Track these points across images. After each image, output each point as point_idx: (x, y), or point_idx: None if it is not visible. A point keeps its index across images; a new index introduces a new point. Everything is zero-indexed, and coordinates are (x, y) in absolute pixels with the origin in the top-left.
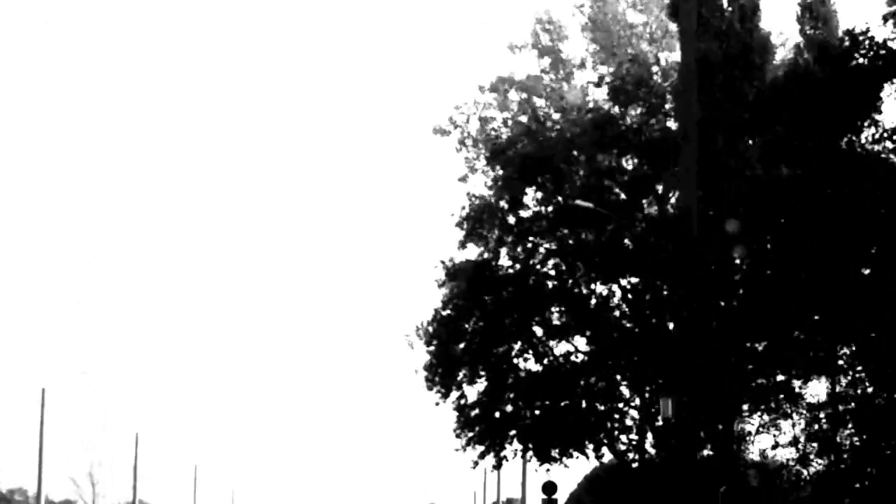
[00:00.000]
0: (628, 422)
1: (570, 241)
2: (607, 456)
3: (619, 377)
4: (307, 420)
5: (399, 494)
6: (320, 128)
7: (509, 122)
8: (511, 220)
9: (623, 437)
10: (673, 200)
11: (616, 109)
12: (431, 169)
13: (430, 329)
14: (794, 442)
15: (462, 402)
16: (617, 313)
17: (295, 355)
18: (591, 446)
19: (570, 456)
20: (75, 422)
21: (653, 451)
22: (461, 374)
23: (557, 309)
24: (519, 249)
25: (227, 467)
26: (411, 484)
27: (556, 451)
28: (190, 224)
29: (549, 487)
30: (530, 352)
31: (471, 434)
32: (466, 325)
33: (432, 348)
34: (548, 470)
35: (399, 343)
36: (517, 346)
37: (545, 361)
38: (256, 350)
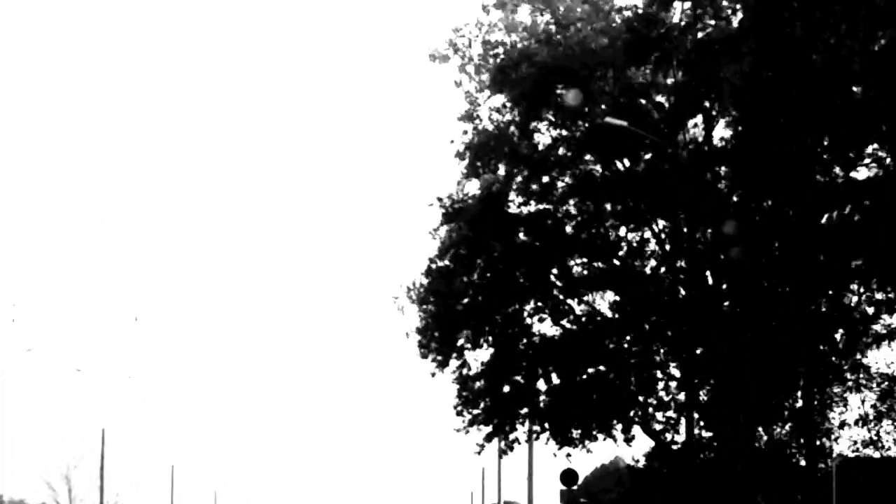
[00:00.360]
0: (664, 395)
1: (596, 175)
2: (639, 438)
3: (654, 341)
4: (291, 415)
5: (390, 495)
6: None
7: (518, 45)
8: (523, 149)
9: (659, 415)
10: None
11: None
12: (426, 101)
13: (424, 284)
14: (863, 420)
15: (463, 372)
16: (652, 263)
17: (276, 344)
18: (619, 426)
19: (594, 438)
20: (52, 424)
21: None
22: (462, 339)
23: (579, 259)
24: (533, 186)
25: (208, 467)
26: (403, 484)
27: (578, 432)
28: (188, 221)
29: (570, 476)
30: (546, 311)
31: (475, 412)
32: (468, 279)
33: (427, 307)
34: (568, 455)
35: (387, 310)
36: (530, 305)
37: (564, 323)
38: (238, 344)
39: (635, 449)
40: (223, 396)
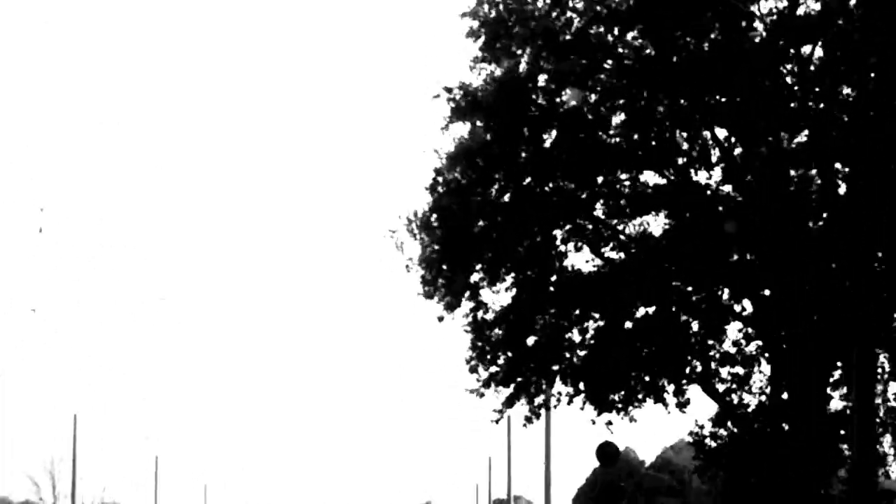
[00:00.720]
0: (729, 347)
1: (649, 57)
2: (697, 401)
3: (718, 278)
4: (284, 408)
5: (389, 490)
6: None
7: None
8: (553, 24)
9: (724, 371)
10: None
11: None
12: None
13: (429, 202)
14: None
15: (479, 316)
16: (717, 176)
17: (265, 327)
18: (671, 388)
19: (640, 403)
20: (35, 418)
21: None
22: (477, 275)
23: (627, 174)
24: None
25: (197, 458)
26: (399, 475)
27: (620, 395)
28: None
29: (609, 452)
30: (583, 238)
31: (493, 369)
32: (484, 195)
33: (432, 232)
34: (609, 423)
35: (383, 256)
36: (563, 230)
37: (607, 252)
38: (225, 329)
39: (692, 416)
40: (211, 384)
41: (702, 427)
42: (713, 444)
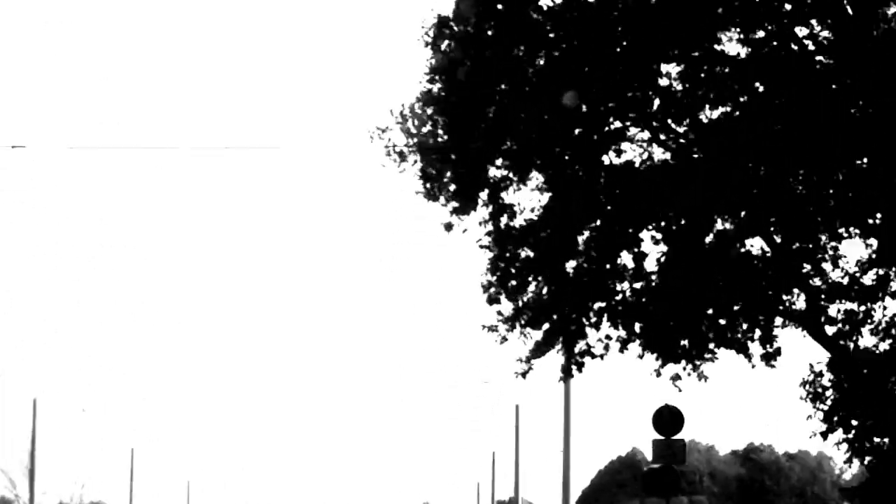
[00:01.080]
0: (838, 275)
1: None
2: (792, 349)
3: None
4: (275, 403)
5: (383, 490)
6: None
7: None
8: None
9: (832, 309)
10: None
11: None
12: None
13: (431, 61)
14: None
15: (501, 223)
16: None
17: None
18: (757, 333)
19: (711, 354)
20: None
21: None
22: (498, 170)
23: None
24: None
25: (182, 458)
26: (397, 476)
27: (687, 341)
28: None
29: (668, 418)
30: (644, 121)
31: (519, 303)
32: (507, 59)
33: (437, 103)
34: (676, 379)
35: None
36: (616, 108)
37: (671, 141)
38: (220, 339)
39: (785, 370)
40: (198, 379)
41: (819, 375)
42: (836, 396)
